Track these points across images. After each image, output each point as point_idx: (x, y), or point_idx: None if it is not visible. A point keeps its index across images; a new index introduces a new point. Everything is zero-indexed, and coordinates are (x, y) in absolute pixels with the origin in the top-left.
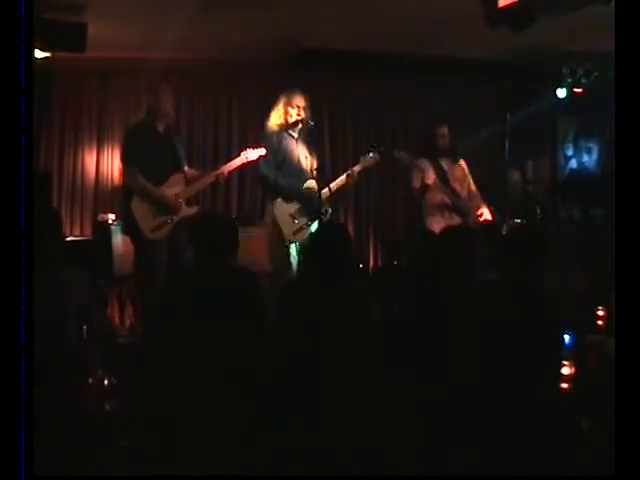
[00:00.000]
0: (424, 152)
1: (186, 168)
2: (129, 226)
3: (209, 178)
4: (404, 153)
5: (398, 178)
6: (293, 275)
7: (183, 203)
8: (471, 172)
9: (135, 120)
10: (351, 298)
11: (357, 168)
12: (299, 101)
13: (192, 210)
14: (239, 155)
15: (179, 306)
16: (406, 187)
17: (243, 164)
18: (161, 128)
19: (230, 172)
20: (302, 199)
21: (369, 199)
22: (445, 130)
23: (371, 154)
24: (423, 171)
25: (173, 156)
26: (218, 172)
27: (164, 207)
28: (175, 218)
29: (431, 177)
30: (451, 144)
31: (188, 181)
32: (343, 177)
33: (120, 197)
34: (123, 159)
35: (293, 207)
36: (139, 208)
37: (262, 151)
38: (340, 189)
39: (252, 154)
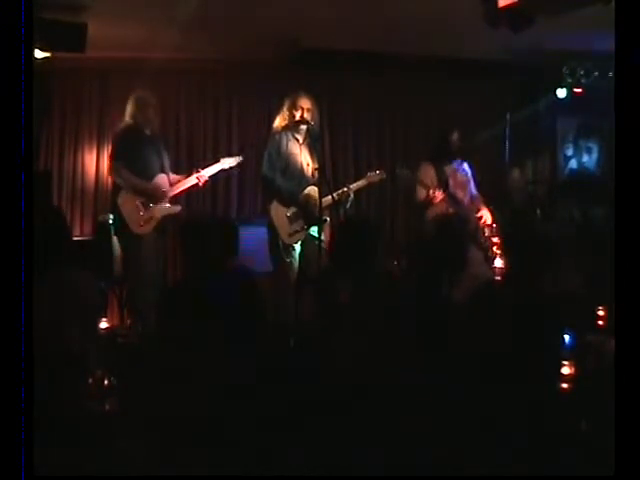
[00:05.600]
0: (429, 157)
1: (171, 175)
2: (117, 222)
3: (186, 183)
4: (406, 170)
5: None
6: (290, 276)
7: (167, 202)
8: (474, 175)
9: (123, 124)
10: (349, 298)
11: (356, 185)
12: (303, 103)
13: (176, 208)
14: (218, 161)
15: (176, 306)
16: (408, 200)
17: (221, 170)
18: (147, 132)
19: (207, 178)
20: (300, 204)
21: (370, 201)
22: (458, 136)
23: (377, 171)
24: (428, 187)
25: (158, 159)
26: (197, 178)
27: (150, 201)
28: (159, 214)
29: (439, 195)
30: (458, 148)
31: (172, 184)
32: (329, 198)
33: (110, 195)
34: (110, 157)
35: (290, 210)
36: (127, 203)
37: (240, 158)
38: (329, 206)
39: (229, 162)
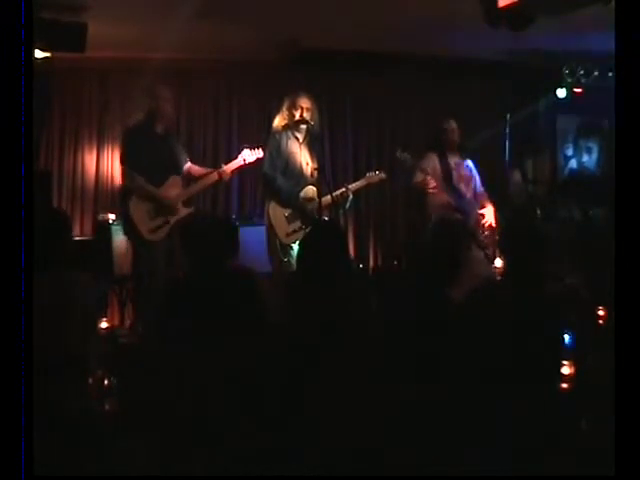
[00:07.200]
0: (432, 148)
1: (188, 164)
2: (127, 227)
3: (207, 180)
4: (406, 155)
5: (400, 180)
6: (288, 275)
7: (180, 204)
8: (479, 172)
9: (134, 121)
10: (349, 298)
11: (355, 185)
12: (303, 102)
13: (188, 210)
14: (236, 157)
15: (178, 307)
16: (407, 188)
17: (241, 166)
18: (160, 129)
19: (230, 175)
20: (298, 204)
21: (369, 201)
22: (454, 125)
23: (377, 172)
24: (425, 173)
25: (172, 157)
26: (218, 173)
27: (162, 208)
28: (172, 219)
29: (432, 182)
30: (459, 141)
31: (187, 182)
32: (328, 197)
33: (119, 197)
34: (122, 159)
35: (288, 210)
36: (137, 209)
37: (260, 153)
38: (328, 206)
39: (250, 156)
